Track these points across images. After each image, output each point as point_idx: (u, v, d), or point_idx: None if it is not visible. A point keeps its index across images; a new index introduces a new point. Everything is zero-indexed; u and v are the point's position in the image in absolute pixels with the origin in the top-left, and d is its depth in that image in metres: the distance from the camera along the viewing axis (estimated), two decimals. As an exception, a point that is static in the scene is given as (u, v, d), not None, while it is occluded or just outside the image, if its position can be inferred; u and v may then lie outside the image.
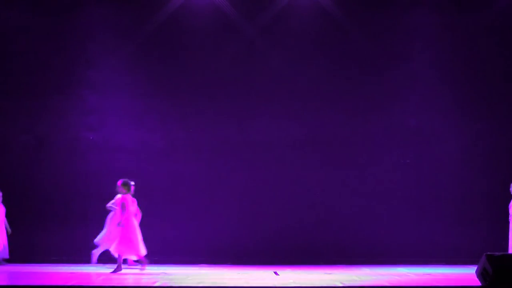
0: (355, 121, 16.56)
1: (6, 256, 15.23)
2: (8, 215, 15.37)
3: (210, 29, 16.54)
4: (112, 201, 14.55)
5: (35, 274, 12.82)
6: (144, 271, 13.41)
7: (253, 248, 16.04)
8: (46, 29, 16.40)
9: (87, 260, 14.75)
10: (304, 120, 16.54)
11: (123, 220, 13.31)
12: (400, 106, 16.59)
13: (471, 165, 16.49)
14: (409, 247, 16.12)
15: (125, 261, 13.86)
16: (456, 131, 16.58)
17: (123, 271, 13.25)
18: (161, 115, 16.53)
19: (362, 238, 16.19)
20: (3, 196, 15.40)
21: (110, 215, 14.67)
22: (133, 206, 13.79)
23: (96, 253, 14.75)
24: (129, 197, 13.49)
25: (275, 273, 13.15)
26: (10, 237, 15.34)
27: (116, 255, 13.36)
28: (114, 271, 13.08)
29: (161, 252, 14.49)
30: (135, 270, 13.79)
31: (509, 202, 14.54)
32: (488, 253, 10.09)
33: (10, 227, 15.35)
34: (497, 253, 10.10)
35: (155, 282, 11.06)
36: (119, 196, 13.70)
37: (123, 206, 13.36)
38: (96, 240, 14.71)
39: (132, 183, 13.97)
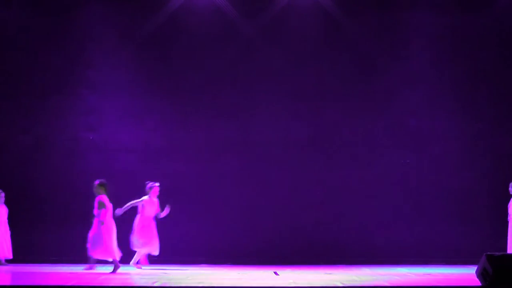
0: (355, 121, 16.56)
1: (10, 256, 15.22)
2: (8, 215, 15.35)
3: (210, 29, 16.53)
4: (133, 201, 14.37)
5: (35, 274, 12.81)
6: (140, 271, 13.39)
7: (253, 248, 16.03)
8: (46, 29, 16.39)
9: (86, 260, 14.71)
10: (304, 120, 16.53)
11: (104, 220, 13.24)
12: (400, 106, 16.58)
13: (471, 165, 16.49)
14: (409, 247, 16.12)
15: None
16: (456, 131, 16.58)
17: (121, 269, 13.24)
18: (161, 115, 16.53)
19: (362, 238, 16.19)
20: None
21: (136, 219, 14.39)
22: (153, 207, 14.10)
23: (136, 258, 14.28)
24: (105, 197, 13.39)
25: (275, 273, 13.13)
26: (10, 238, 15.34)
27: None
28: (114, 271, 13.07)
29: (161, 252, 14.46)
30: (135, 270, 13.80)
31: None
32: (488, 253, 10.10)
33: (10, 227, 15.33)
34: (497, 253, 10.10)
35: (155, 282, 11.05)
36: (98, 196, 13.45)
37: (101, 204, 13.27)
38: (134, 247, 14.32)
39: (157, 184, 14.03)
